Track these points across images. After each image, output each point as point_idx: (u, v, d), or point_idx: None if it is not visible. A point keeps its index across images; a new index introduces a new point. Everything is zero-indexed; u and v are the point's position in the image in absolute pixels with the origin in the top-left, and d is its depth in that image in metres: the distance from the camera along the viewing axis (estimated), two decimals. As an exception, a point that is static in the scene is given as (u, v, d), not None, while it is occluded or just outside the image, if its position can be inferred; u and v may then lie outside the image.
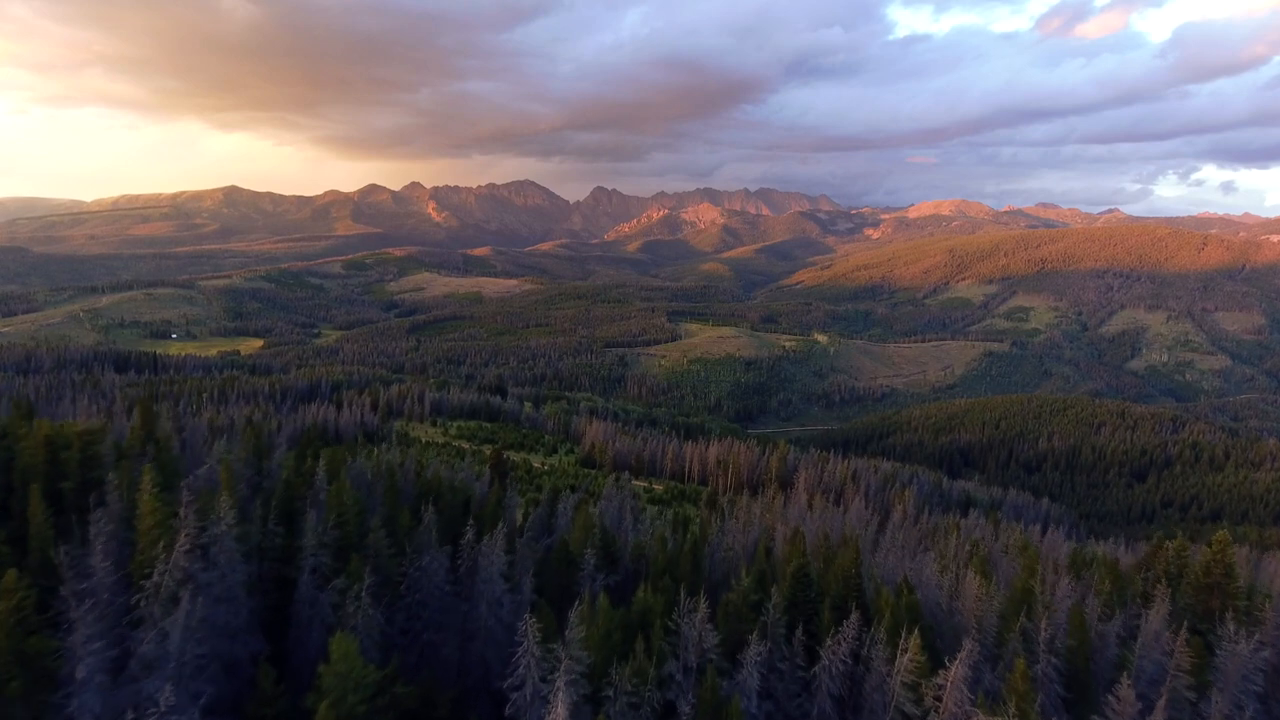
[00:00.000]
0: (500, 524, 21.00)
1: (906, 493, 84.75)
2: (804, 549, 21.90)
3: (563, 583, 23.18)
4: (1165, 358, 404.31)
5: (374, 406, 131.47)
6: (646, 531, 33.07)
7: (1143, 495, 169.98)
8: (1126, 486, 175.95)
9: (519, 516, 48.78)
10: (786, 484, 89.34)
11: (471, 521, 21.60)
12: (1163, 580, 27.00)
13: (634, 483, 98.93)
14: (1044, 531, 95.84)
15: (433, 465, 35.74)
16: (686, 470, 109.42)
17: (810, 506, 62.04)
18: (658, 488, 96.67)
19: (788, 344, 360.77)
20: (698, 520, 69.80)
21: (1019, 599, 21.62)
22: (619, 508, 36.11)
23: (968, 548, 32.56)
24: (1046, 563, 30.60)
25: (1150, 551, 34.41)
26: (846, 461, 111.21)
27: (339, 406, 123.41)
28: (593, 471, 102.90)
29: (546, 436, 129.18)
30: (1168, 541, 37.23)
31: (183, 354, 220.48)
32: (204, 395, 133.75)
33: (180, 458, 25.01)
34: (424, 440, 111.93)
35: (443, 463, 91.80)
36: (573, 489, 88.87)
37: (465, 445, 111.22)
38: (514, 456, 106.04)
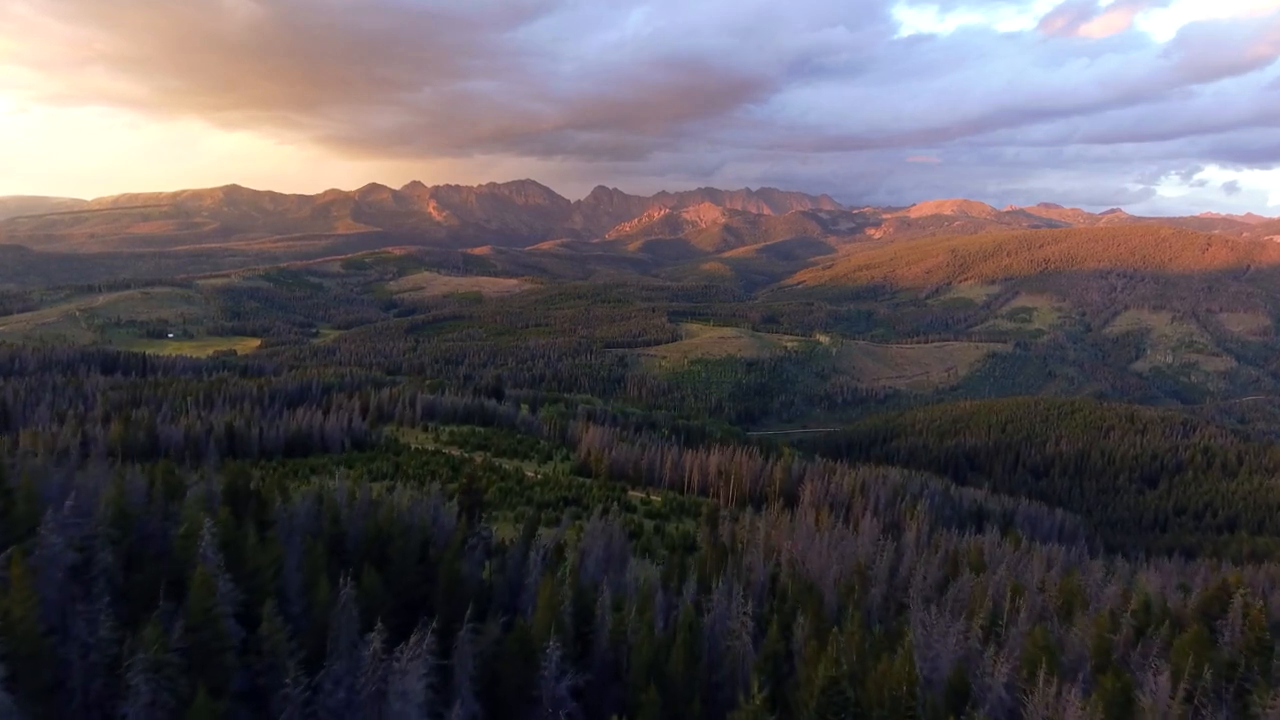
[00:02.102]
0: (423, 627, 15.94)
1: (918, 506, 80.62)
2: (836, 654, 17.18)
3: (519, 682, 18.50)
4: (1170, 359, 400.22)
5: (363, 411, 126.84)
6: (633, 583, 28.87)
7: (1155, 502, 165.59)
8: (1137, 493, 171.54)
9: (496, 538, 44.76)
10: (791, 497, 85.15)
11: (383, 620, 16.42)
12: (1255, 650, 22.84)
13: (631, 493, 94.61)
14: (1062, 544, 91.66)
15: (386, 499, 31.37)
16: (686, 480, 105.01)
17: (818, 524, 57.88)
18: (655, 499, 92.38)
19: (789, 344, 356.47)
20: (697, 538, 65.74)
21: (1116, 704, 17.28)
22: (605, 546, 31.90)
23: (1018, 608, 28.43)
24: (1104, 615, 26.52)
25: (1210, 594, 30.42)
26: (854, 472, 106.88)
27: (326, 411, 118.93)
28: (588, 481, 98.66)
29: (542, 442, 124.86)
30: (1226, 577, 33.17)
31: (176, 354, 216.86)
32: (189, 399, 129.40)
33: (38, 511, 19.10)
34: (413, 447, 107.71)
35: (424, 473, 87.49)
36: (566, 501, 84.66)
37: (456, 452, 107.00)
38: (506, 464, 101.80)
